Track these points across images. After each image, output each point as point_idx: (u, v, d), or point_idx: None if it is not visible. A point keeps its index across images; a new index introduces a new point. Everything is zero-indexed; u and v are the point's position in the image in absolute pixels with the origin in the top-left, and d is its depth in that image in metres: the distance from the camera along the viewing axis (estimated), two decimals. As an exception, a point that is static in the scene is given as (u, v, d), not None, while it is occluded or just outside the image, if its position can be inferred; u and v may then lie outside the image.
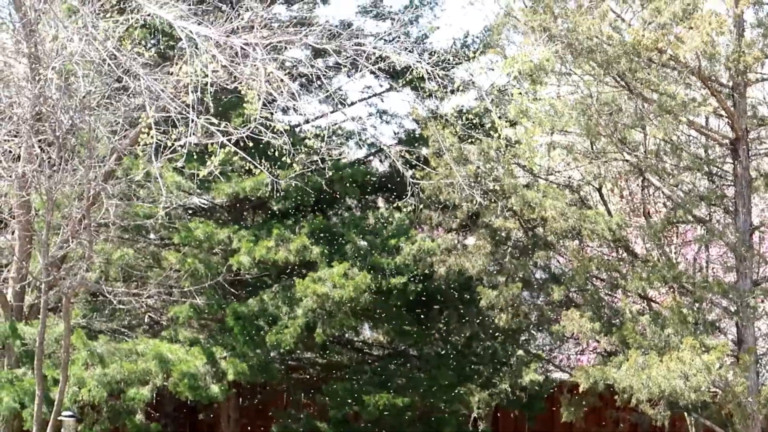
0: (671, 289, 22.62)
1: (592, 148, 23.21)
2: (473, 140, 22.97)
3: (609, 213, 23.19)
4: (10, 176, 17.41)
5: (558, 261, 26.07)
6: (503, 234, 24.20)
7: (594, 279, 23.44)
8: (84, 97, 16.80)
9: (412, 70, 18.02)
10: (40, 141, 17.11)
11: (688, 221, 22.89)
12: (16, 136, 17.45)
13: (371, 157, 27.23)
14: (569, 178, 25.39)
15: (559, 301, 22.87)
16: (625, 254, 23.68)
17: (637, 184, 25.35)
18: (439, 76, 17.58)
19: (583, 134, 22.12)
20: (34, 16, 16.68)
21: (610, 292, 23.39)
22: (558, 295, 22.40)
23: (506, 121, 21.44)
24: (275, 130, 16.45)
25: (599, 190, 24.77)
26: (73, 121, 16.83)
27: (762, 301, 22.36)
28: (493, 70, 24.14)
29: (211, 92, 15.23)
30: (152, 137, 15.24)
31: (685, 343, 18.78)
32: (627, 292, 22.22)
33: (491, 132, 21.08)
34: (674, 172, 21.99)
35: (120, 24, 16.80)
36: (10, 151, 17.66)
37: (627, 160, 22.36)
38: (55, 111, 16.60)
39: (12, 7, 17.69)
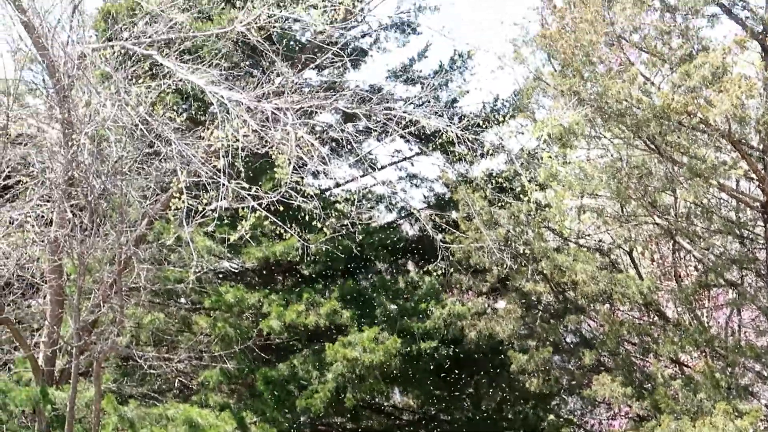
0: (703, 354, 22.41)
1: (623, 212, 23.17)
2: (503, 204, 22.96)
3: (640, 276, 23.09)
4: (43, 241, 17.52)
5: (589, 325, 25.93)
6: (534, 298, 24.15)
7: (625, 343, 23.30)
8: (116, 162, 16.94)
9: (442, 134, 18.09)
10: (72, 206, 17.22)
11: (719, 285, 22.73)
12: (48, 201, 17.58)
13: (401, 221, 27.23)
14: (600, 241, 25.33)
15: (591, 366, 22.72)
16: (656, 318, 23.55)
17: (668, 248, 25.28)
18: (468, 139, 17.62)
19: (613, 197, 22.09)
20: (68, 82, 16.88)
21: (641, 357, 23.23)
22: (589, 360, 22.25)
23: (536, 185, 21.46)
24: (306, 195, 16.50)
25: (630, 253, 24.69)
26: (105, 185, 16.97)
27: (795, 366, 22.11)
28: (522, 133, 24.23)
29: (242, 157, 15.31)
30: (183, 202, 15.33)
31: (718, 408, 18.55)
32: (659, 357, 22.03)
33: (521, 195, 21.06)
34: (705, 235, 21.90)
35: (152, 89, 16.97)
36: (43, 216, 17.78)
37: (657, 224, 22.29)
38: (88, 176, 16.73)
39: (46, 73, 17.89)
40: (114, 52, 17.18)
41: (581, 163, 21.93)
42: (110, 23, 18.92)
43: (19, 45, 19.29)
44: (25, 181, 17.60)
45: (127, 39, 17.50)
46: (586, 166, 21.43)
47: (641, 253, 25.92)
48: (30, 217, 16.90)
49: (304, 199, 16.51)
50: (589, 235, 25.33)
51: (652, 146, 20.32)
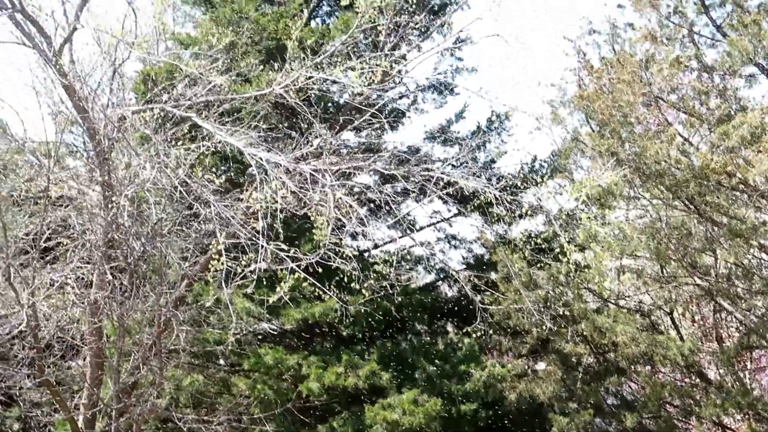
0: (746, 416, 22.13)
1: (663, 272, 23.02)
2: (542, 265, 22.88)
3: (681, 338, 22.89)
4: (83, 302, 17.57)
5: (630, 387, 25.67)
6: (574, 359, 23.95)
7: (667, 405, 23.03)
8: (155, 224, 17.03)
9: (480, 195, 18.07)
10: (112, 267, 17.30)
11: (762, 346, 22.48)
12: (88, 263, 17.68)
13: (440, 282, 27.17)
14: (640, 302, 25.15)
15: (632, 428, 22.45)
16: (698, 380, 23.27)
17: (709, 309, 25.06)
18: (507, 200, 17.59)
19: (653, 258, 21.97)
20: (108, 144, 17.03)
21: (683, 419, 22.94)
22: (631, 422, 21.98)
23: (575, 246, 21.35)
24: (344, 256, 16.50)
25: (670, 314, 24.49)
26: (145, 247, 17.04)
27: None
28: (561, 194, 24.17)
29: (280, 218, 15.35)
30: (222, 263, 15.37)
31: (761, 471, 18.29)
32: (701, 419, 21.76)
33: (560, 256, 20.96)
34: (746, 296, 21.68)
35: (191, 151, 17.08)
36: (83, 278, 17.87)
37: (698, 285, 22.11)
38: (127, 238, 16.82)
39: (86, 136, 18.06)
40: (153, 115, 17.34)
41: (620, 223, 21.86)
42: (150, 86, 19.11)
43: (60, 108, 19.52)
44: (65, 243, 17.71)
45: (166, 101, 17.66)
46: (625, 227, 21.35)
47: (682, 314, 25.72)
48: (70, 278, 16.97)
49: (343, 261, 16.51)
50: (629, 296, 25.16)
51: (692, 207, 20.24)
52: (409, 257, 26.30)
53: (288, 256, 15.67)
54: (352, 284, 17.70)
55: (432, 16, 22.58)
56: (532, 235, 24.30)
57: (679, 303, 24.18)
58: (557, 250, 22.61)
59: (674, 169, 19.40)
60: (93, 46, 18.85)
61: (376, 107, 18.98)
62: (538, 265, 23.10)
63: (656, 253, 20.73)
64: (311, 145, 17.85)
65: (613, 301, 24.25)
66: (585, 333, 22.48)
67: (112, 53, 17.92)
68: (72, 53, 17.57)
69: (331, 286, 18.12)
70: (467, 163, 22.10)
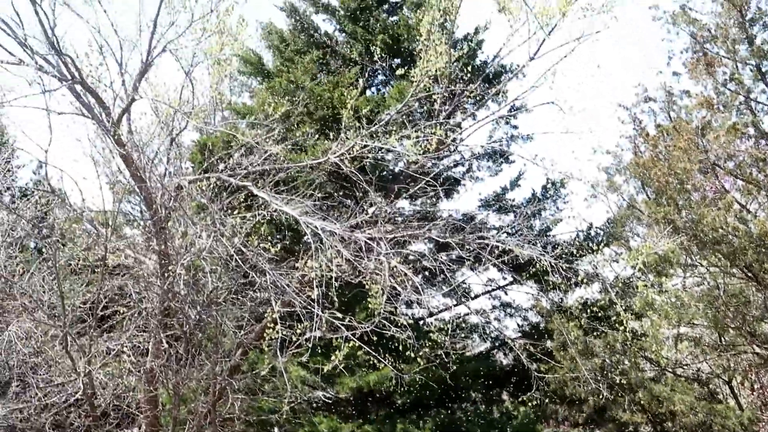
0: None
1: (721, 341, 22.74)
2: (598, 333, 22.65)
3: (740, 407, 22.53)
4: (139, 371, 17.63)
5: (689, 457, 25.24)
6: (631, 428, 23.66)
7: (726, 476, 22.59)
8: (211, 292, 17.10)
9: (536, 263, 17.99)
10: (168, 336, 17.37)
11: (822, 415, 22.10)
12: (144, 331, 17.76)
13: (495, 350, 26.95)
14: (698, 371, 24.83)
15: (690, 498, 22.06)
16: (759, 450, 22.84)
17: (768, 377, 24.68)
18: (562, 268, 17.50)
19: (710, 326, 21.72)
20: (165, 213, 17.18)
21: (744, 489, 22.49)
22: (689, 492, 21.63)
23: (632, 314, 21.15)
24: (399, 324, 16.47)
25: (729, 383, 24.13)
26: (201, 316, 17.11)
27: None
28: (617, 261, 24.00)
29: (335, 286, 15.36)
30: (278, 332, 15.37)
31: None
32: (760, 489, 21.36)
33: (617, 325, 20.77)
34: (808, 365, 21.37)
35: (247, 220, 17.19)
36: (139, 346, 17.94)
37: (757, 353, 21.81)
38: (183, 306, 16.91)
39: (143, 205, 18.25)
40: (210, 184, 17.51)
41: (677, 291, 21.66)
42: (206, 155, 19.31)
43: (117, 177, 19.79)
44: (122, 311, 17.82)
45: (222, 170, 17.82)
46: (682, 295, 21.15)
47: (741, 382, 25.33)
48: (126, 347, 17.05)
49: (398, 329, 16.48)
50: (686, 365, 24.84)
51: (750, 274, 20.02)
52: (464, 325, 26.15)
53: (343, 325, 15.66)
54: (407, 352, 17.64)
55: (487, 85, 22.65)
56: (588, 303, 24.07)
57: (738, 371, 23.83)
58: (614, 318, 22.40)
59: (732, 237, 19.24)
60: (151, 116, 19.17)
61: (431, 175, 19.02)
62: (595, 334, 22.89)
63: (714, 321, 20.50)
64: (366, 214, 17.90)
65: (670, 370, 23.94)
66: (642, 402, 22.19)
67: (170, 123, 18.17)
68: (130, 123, 17.82)
69: (386, 355, 18.05)
70: (522, 231, 22.03)
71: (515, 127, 24.72)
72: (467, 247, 18.55)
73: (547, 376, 21.73)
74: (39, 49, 16.49)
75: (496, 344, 26.73)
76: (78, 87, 16.71)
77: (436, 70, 18.87)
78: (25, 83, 16.40)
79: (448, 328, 19.53)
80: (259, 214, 17.15)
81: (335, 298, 15.58)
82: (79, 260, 17.82)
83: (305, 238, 16.13)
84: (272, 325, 15.54)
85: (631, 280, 22.79)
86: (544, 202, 25.21)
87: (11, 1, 15.85)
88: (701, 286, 22.64)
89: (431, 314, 26.09)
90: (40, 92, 16.32)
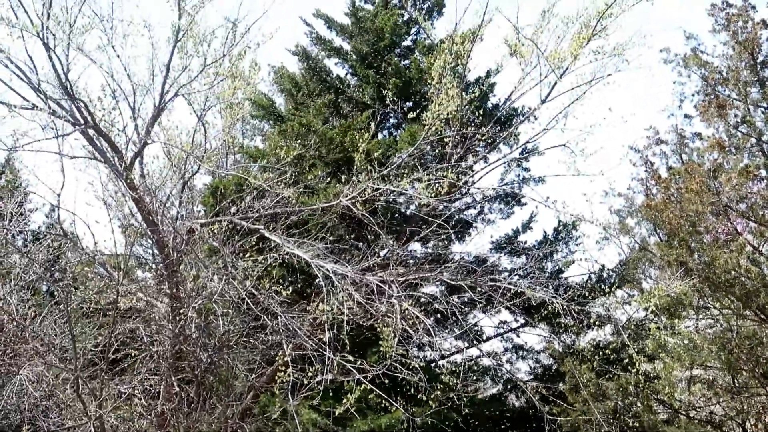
0: None
1: (734, 383, 22.62)
2: (611, 375, 22.54)
3: (755, 450, 22.37)
4: (150, 414, 17.60)
5: (703, 501, 25.05)
6: (645, 472, 23.45)
7: None
8: (222, 335, 17.11)
9: (548, 305, 17.95)
10: (179, 379, 17.36)
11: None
12: (156, 374, 17.75)
13: (507, 393, 26.80)
14: (711, 413, 24.69)
15: None
16: (773, 493, 22.69)
17: (782, 420, 24.53)
18: (574, 311, 17.47)
19: (723, 369, 21.61)
20: (176, 256, 17.22)
21: None
22: None
23: (644, 356, 21.05)
24: (411, 367, 16.44)
25: (743, 425, 23.99)
26: (212, 359, 17.10)
27: None
28: (629, 303, 23.91)
29: (347, 329, 15.35)
30: (289, 375, 15.34)
31: None
32: None
33: (629, 367, 20.68)
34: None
35: (259, 263, 17.21)
36: (150, 389, 17.92)
37: (770, 395, 21.71)
38: (195, 349, 16.91)
39: (155, 248, 18.31)
40: (222, 227, 17.55)
41: (690, 333, 21.59)
42: (218, 198, 19.35)
43: (129, 220, 19.88)
44: (133, 354, 17.81)
45: (234, 214, 17.88)
46: (695, 337, 21.08)
47: (754, 425, 25.16)
48: (138, 390, 17.03)
49: (410, 372, 16.44)
50: (700, 407, 24.70)
51: (763, 316, 19.97)
52: (476, 368, 26.03)
53: (354, 368, 15.63)
54: (419, 395, 17.57)
55: (498, 128, 22.69)
56: (601, 345, 23.96)
57: (752, 414, 23.69)
58: (626, 360, 22.32)
59: (744, 279, 19.19)
60: (163, 159, 19.27)
61: (443, 218, 19.04)
62: (607, 376, 22.78)
63: (727, 363, 20.40)
64: (378, 256, 17.92)
65: (683, 413, 23.79)
66: (656, 445, 22.03)
67: (182, 166, 18.27)
68: (142, 167, 17.92)
69: (398, 398, 17.97)
70: (534, 273, 21.99)
71: (527, 169, 24.74)
72: (479, 289, 18.53)
73: (559, 418, 21.59)
74: (52, 93, 16.65)
75: (509, 387, 26.59)
76: (91, 131, 16.83)
77: (447, 114, 18.93)
78: (39, 128, 16.55)
79: (459, 371, 19.44)
80: (270, 257, 17.18)
81: (347, 341, 15.55)
82: (91, 303, 17.85)
83: (317, 281, 16.15)
84: (284, 368, 15.51)
85: (644, 322, 22.70)
86: (556, 245, 25.16)
87: (25, 46, 16.01)
88: (714, 328, 22.58)
89: (443, 357, 26.00)
90: (53, 137, 16.46)
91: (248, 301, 16.37)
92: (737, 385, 22.61)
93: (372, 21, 24.43)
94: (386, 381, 16.25)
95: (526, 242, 25.67)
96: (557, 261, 25.31)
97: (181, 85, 17.85)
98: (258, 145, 27.28)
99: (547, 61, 19.00)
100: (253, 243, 17.95)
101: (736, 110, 24.37)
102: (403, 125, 23.84)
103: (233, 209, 18.19)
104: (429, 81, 19.71)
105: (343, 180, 18.87)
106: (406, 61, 24.45)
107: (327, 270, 15.54)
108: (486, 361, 25.88)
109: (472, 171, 21.81)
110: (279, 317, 16.33)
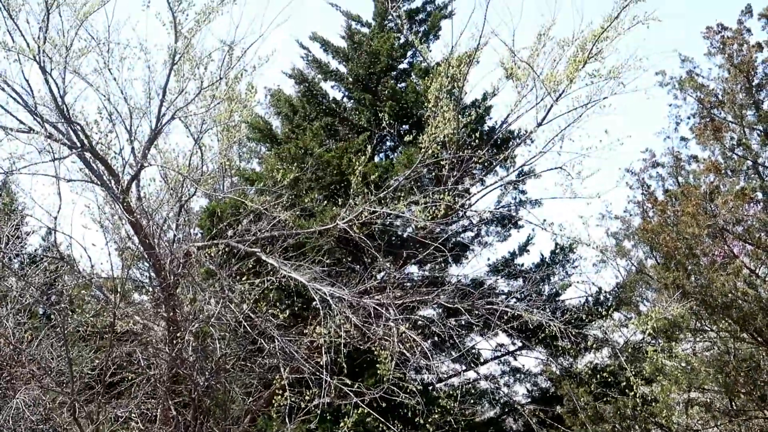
0: None
1: (732, 406, 22.60)
2: (609, 398, 22.51)
3: (752, 472, 22.35)
4: (146, 438, 17.55)
5: None
6: (643, 494, 23.43)
7: None
8: (219, 358, 17.07)
9: (545, 328, 17.95)
10: (176, 402, 17.31)
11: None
12: (153, 398, 17.70)
13: (505, 416, 26.74)
14: (709, 436, 24.67)
15: None
16: None
17: (780, 442, 24.48)
18: (572, 333, 17.47)
19: (721, 392, 21.59)
20: (173, 280, 17.20)
21: None
22: None
23: (642, 379, 21.01)
24: (408, 390, 16.42)
25: (740, 448, 23.96)
26: (209, 382, 17.06)
27: None
28: (626, 326, 23.88)
29: (344, 352, 15.34)
30: (286, 398, 15.33)
31: None
32: None
33: (627, 390, 20.64)
34: (819, 430, 21.24)
35: (256, 286, 17.20)
36: (147, 413, 17.87)
37: (767, 418, 21.67)
38: (192, 373, 16.87)
39: (152, 271, 18.29)
40: (219, 250, 17.54)
41: (687, 356, 21.59)
42: (215, 221, 19.35)
43: (126, 243, 19.83)
44: (130, 377, 17.77)
45: (231, 237, 17.87)
46: (692, 360, 21.09)
47: (752, 447, 25.14)
48: (134, 414, 16.99)
49: (407, 395, 16.42)
50: (697, 430, 24.66)
51: (760, 339, 19.98)
52: (473, 391, 25.97)
53: (352, 391, 15.62)
54: (417, 419, 17.54)
55: (495, 150, 22.71)
56: (598, 368, 23.94)
57: (749, 436, 23.67)
58: (624, 383, 22.27)
59: (741, 302, 19.21)
60: (160, 182, 19.26)
61: (440, 241, 19.03)
62: (605, 399, 22.77)
63: (725, 386, 20.39)
64: (375, 279, 17.91)
65: (681, 436, 23.77)
66: (654, 468, 22.02)
67: (179, 189, 18.26)
68: (139, 190, 17.92)
69: (396, 421, 17.94)
70: (531, 296, 22.00)
71: (524, 192, 24.76)
72: (476, 312, 18.52)
73: (557, 441, 21.59)
74: (49, 117, 16.66)
75: (506, 410, 26.54)
76: (87, 154, 16.83)
77: (444, 136, 18.95)
78: (35, 151, 16.55)
79: (457, 394, 19.42)
80: (267, 280, 17.16)
81: (344, 364, 15.55)
82: (87, 327, 17.82)
83: (314, 304, 16.14)
84: (281, 391, 15.50)
85: (641, 345, 22.68)
86: (552, 267, 25.15)
87: (21, 69, 16.04)
88: (711, 351, 22.57)
89: (440, 380, 25.95)
90: (49, 160, 16.46)
91: (245, 324, 16.36)
92: (735, 407, 22.58)
93: (368, 44, 24.47)
94: (383, 404, 16.21)
95: (523, 265, 25.65)
96: (554, 284, 25.29)
97: (178, 108, 17.87)
98: (255, 168, 27.33)
99: (543, 84, 19.03)
100: (250, 266, 17.93)
101: (732, 133, 24.44)
102: (400, 148, 23.86)
103: (230, 232, 18.19)
104: (425, 104, 19.74)
105: (339, 203, 18.88)
106: (403, 84, 24.49)
107: (324, 293, 15.54)
108: (483, 384, 25.86)
109: (469, 194, 21.82)
110: (276, 340, 16.31)
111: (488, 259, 26.06)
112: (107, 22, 16.65)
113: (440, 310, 22.52)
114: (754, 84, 24.52)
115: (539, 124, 20.15)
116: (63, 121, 16.48)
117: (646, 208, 26.30)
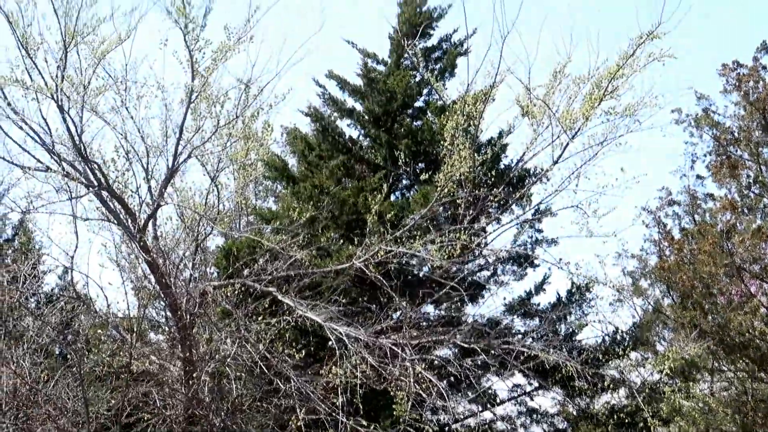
0: None
1: (750, 446, 22.40)
2: (626, 439, 22.35)
3: None
4: (162, 480, 17.49)
5: None
6: None
7: None
8: (235, 399, 17.02)
9: (562, 368, 17.86)
10: (192, 443, 17.26)
11: None
12: (168, 438, 17.66)
13: (522, 457, 26.60)
14: (727, 477, 24.42)
15: None
16: None
17: (800, 482, 24.23)
18: (588, 374, 17.37)
19: (739, 432, 21.42)
20: (189, 319, 17.19)
21: None
22: None
23: (659, 420, 20.86)
24: (425, 431, 16.32)
25: (759, 489, 23.72)
26: (225, 423, 17.00)
27: None
28: (643, 366, 23.72)
29: (360, 393, 15.27)
30: (302, 439, 15.28)
31: None
32: None
33: (644, 431, 20.48)
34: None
35: (272, 326, 17.17)
36: (162, 453, 17.83)
37: (786, 458, 21.48)
38: (208, 413, 16.81)
39: (168, 310, 18.28)
40: (235, 290, 17.52)
41: (705, 396, 21.43)
42: (231, 260, 19.33)
43: (143, 283, 19.84)
44: (146, 418, 17.72)
45: (247, 276, 17.86)
46: (710, 400, 20.94)
47: (772, 489, 24.90)
48: (150, 454, 16.94)
49: (423, 436, 16.32)
50: (716, 471, 24.44)
51: (778, 378, 19.84)
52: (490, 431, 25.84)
53: (368, 432, 15.55)
54: (433, 460, 17.45)
55: (511, 189, 22.66)
56: (615, 408, 23.75)
57: (768, 477, 23.43)
58: (641, 424, 22.10)
59: (759, 341, 19.09)
60: (176, 221, 19.29)
61: (456, 280, 18.97)
62: (622, 440, 22.59)
63: (742, 426, 20.24)
64: (391, 319, 17.86)
65: (700, 476, 23.54)
66: None
67: (195, 228, 18.28)
68: (156, 229, 17.94)
69: (412, 462, 17.84)
70: (548, 335, 21.89)
71: (540, 230, 24.68)
72: (492, 352, 18.44)
73: (575, 482, 21.42)
74: (66, 155, 16.72)
75: (523, 451, 26.40)
76: (104, 193, 16.88)
77: (460, 175, 18.94)
78: (53, 190, 16.61)
79: (474, 436, 19.33)
80: (283, 320, 17.14)
81: (360, 405, 15.47)
82: (104, 366, 17.80)
83: (330, 344, 16.11)
84: (297, 432, 15.46)
85: (658, 385, 22.51)
86: (569, 307, 25.03)
87: (39, 108, 16.12)
88: (729, 391, 22.41)
89: (456, 420, 25.80)
90: (66, 199, 16.53)
91: (261, 364, 16.32)
92: (753, 448, 22.41)
93: (384, 82, 24.50)
94: (400, 445, 16.14)
95: (539, 304, 25.54)
96: (570, 323, 25.15)
97: (195, 147, 17.93)
98: (271, 207, 27.32)
99: (559, 122, 19.03)
100: (266, 305, 17.91)
101: (749, 170, 24.39)
102: (416, 186, 23.85)
103: (246, 271, 18.18)
104: (441, 142, 19.72)
105: (356, 242, 18.87)
106: (419, 122, 24.51)
107: (340, 333, 15.50)
108: (500, 425, 25.67)
109: (485, 232, 21.77)
110: (292, 381, 16.27)
111: (504, 299, 25.95)
112: (125, 60, 16.72)
113: (456, 350, 22.42)
114: (770, 121, 24.49)
115: (555, 162, 20.13)
116: (80, 159, 16.54)
117: (662, 246, 26.22)
